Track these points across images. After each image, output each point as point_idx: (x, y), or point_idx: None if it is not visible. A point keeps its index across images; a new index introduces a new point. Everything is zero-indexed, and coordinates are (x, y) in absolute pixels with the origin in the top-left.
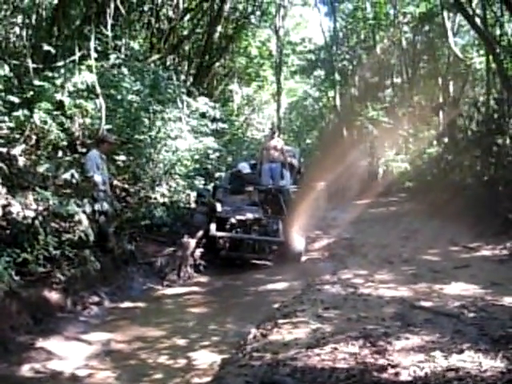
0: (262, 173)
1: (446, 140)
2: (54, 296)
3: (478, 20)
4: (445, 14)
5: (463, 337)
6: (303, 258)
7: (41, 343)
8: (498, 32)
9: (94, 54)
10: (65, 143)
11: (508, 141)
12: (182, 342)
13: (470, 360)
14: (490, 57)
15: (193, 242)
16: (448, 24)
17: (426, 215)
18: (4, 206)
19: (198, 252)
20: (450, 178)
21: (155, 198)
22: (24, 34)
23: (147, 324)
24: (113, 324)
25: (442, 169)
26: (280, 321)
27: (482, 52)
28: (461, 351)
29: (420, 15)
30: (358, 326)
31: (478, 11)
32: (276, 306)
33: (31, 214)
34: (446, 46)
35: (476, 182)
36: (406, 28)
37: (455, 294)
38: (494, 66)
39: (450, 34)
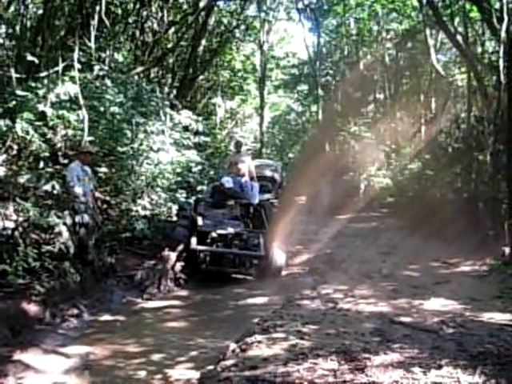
0: None
1: (427, 156)
2: (32, 308)
3: (459, 38)
4: (427, 31)
5: (442, 352)
6: (284, 273)
7: (18, 356)
8: (479, 50)
9: (77, 65)
10: (47, 154)
11: (488, 158)
12: (160, 356)
13: (449, 376)
14: (471, 74)
15: (173, 256)
16: (430, 41)
17: (407, 231)
18: None
19: (179, 265)
20: (431, 194)
21: (136, 211)
22: (8, 43)
23: (126, 337)
24: (92, 337)
25: (423, 185)
26: (259, 336)
27: (463, 69)
28: (439, 367)
29: (403, 32)
30: (337, 342)
31: (460, 29)
32: (256, 320)
33: (11, 224)
34: (429, 63)
35: (456, 199)
36: (389, 44)
37: (435, 309)
38: (474, 83)
39: (432, 51)
